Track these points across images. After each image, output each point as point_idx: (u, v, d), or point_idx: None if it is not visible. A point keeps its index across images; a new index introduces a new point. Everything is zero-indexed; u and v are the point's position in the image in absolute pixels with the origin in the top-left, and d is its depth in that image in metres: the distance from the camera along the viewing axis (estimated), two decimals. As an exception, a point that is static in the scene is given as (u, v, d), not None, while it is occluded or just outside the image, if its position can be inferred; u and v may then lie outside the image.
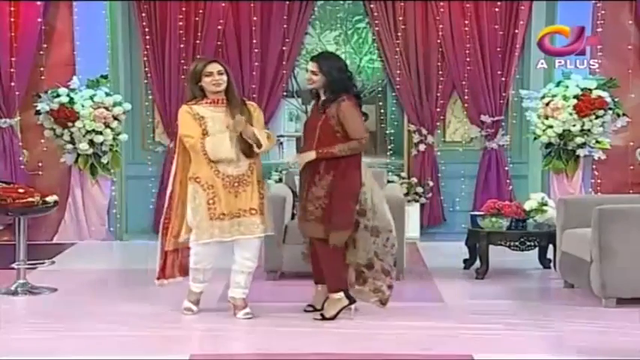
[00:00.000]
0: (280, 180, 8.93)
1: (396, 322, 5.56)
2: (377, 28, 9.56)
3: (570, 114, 8.82)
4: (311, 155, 5.55)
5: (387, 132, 9.77)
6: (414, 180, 9.43)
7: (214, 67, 5.56)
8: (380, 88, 9.81)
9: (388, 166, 9.59)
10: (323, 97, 5.64)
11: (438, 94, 9.54)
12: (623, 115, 9.02)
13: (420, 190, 9.40)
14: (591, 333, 5.34)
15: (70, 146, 9.06)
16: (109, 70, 9.28)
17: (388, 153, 9.64)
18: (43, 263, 7.10)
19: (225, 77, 5.57)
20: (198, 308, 5.72)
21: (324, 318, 5.57)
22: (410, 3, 9.50)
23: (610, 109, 8.89)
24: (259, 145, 5.54)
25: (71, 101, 8.93)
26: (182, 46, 9.43)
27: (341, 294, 5.60)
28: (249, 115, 5.60)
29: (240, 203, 5.54)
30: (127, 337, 5.26)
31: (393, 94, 9.71)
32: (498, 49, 9.46)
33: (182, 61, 9.44)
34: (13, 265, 6.60)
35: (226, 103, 5.59)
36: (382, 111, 9.84)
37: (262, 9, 9.50)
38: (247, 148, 5.55)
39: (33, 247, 7.10)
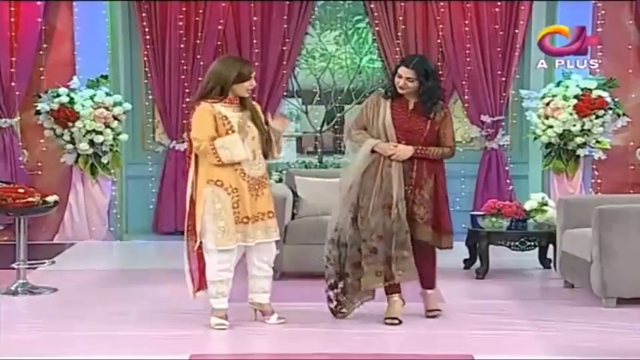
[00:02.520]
0: (280, 180, 8.93)
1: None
2: (377, 28, 9.56)
3: (570, 114, 8.82)
4: (409, 150, 5.47)
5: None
6: (415, 180, 9.42)
7: (253, 72, 5.48)
8: (380, 88, 9.80)
9: (388, 166, 9.58)
10: (416, 100, 5.54)
11: (439, 94, 9.53)
12: (624, 115, 9.02)
13: (420, 190, 9.39)
14: (591, 333, 5.34)
15: (70, 146, 9.07)
16: (109, 70, 9.28)
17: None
18: (43, 263, 7.10)
19: None
20: (229, 322, 5.44)
21: (440, 310, 5.69)
22: (410, 3, 9.50)
23: (610, 109, 8.89)
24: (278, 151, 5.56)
25: (71, 101, 8.94)
26: (182, 46, 9.44)
27: (436, 289, 5.73)
28: (260, 115, 5.53)
29: (259, 206, 5.40)
30: (127, 337, 5.25)
31: (393, 94, 9.70)
32: (498, 49, 9.46)
33: (182, 61, 9.45)
34: (13, 265, 6.60)
35: (239, 103, 5.46)
36: (382, 111, 9.85)
37: (262, 9, 9.50)
38: (267, 146, 5.47)
39: (33, 247, 7.10)
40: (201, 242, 5.37)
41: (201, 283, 5.50)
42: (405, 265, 5.44)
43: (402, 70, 5.53)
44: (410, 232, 5.47)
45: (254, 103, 5.64)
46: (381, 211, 5.44)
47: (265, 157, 5.50)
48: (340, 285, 5.55)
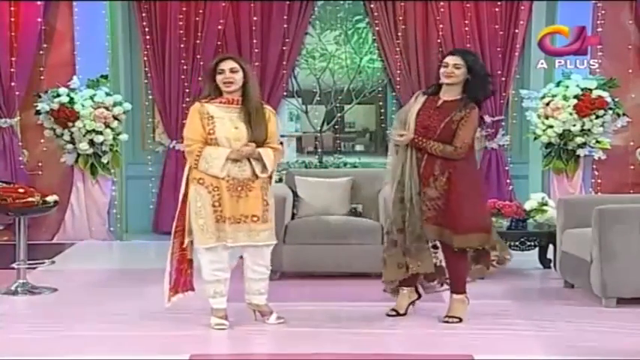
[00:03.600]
0: (280, 180, 8.91)
1: (396, 322, 5.56)
2: (377, 28, 9.56)
3: (570, 114, 8.82)
4: (409, 138, 5.43)
5: (387, 132, 9.77)
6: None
7: (227, 65, 5.30)
8: (380, 88, 9.82)
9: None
10: (447, 97, 5.49)
11: (438, 94, 9.54)
12: (623, 115, 9.03)
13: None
14: (591, 333, 5.34)
15: (70, 146, 9.07)
16: (109, 70, 9.28)
17: (388, 153, 9.62)
18: (43, 263, 7.10)
19: (239, 75, 5.30)
20: (229, 322, 5.44)
21: (461, 320, 5.53)
22: (410, 3, 9.51)
23: (610, 109, 8.89)
24: (264, 169, 5.36)
25: (71, 101, 8.94)
26: (182, 46, 9.44)
27: (464, 295, 5.59)
28: (263, 120, 5.37)
29: (242, 209, 5.32)
30: (127, 337, 5.26)
31: (393, 94, 9.71)
32: (498, 49, 9.46)
33: (182, 61, 9.46)
34: (13, 265, 6.60)
35: (242, 104, 5.36)
36: (382, 111, 9.88)
37: (262, 9, 9.50)
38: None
39: (33, 247, 7.10)
40: (183, 242, 5.41)
41: (177, 285, 5.48)
42: (423, 257, 5.46)
43: (449, 58, 5.51)
44: (422, 225, 5.45)
45: (267, 108, 5.49)
46: (399, 204, 5.46)
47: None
48: None
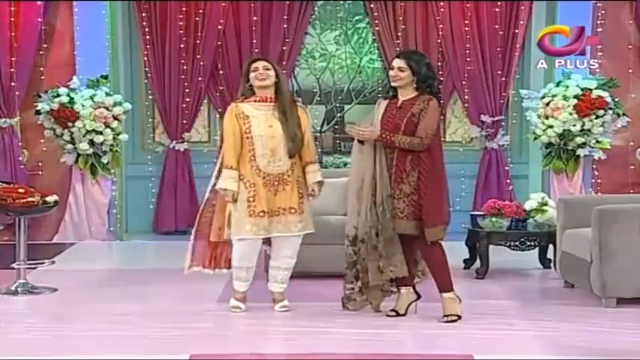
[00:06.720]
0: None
1: (396, 322, 5.56)
2: (377, 28, 9.57)
3: (570, 114, 8.82)
4: (374, 134, 5.49)
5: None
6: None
7: (260, 64, 5.67)
8: (380, 88, 9.81)
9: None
10: (404, 97, 5.55)
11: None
12: (623, 115, 9.03)
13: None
14: (591, 333, 5.34)
15: (70, 146, 9.06)
16: (109, 70, 9.28)
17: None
18: (43, 263, 7.10)
19: (271, 72, 5.65)
20: (245, 306, 5.77)
21: (459, 317, 5.55)
22: (410, 3, 9.52)
23: (610, 109, 8.89)
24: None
25: (71, 101, 8.93)
26: (182, 46, 9.45)
27: (452, 293, 5.60)
28: (297, 117, 5.67)
29: (279, 202, 5.63)
30: (126, 337, 5.26)
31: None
32: (498, 49, 9.47)
33: (182, 61, 9.46)
34: (13, 265, 6.60)
35: (275, 102, 5.65)
36: (382, 111, 9.87)
37: (262, 9, 9.51)
38: (294, 146, 5.61)
39: (33, 247, 7.10)
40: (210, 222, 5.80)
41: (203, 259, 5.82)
42: (395, 260, 5.52)
43: (394, 62, 5.61)
44: (394, 227, 5.51)
45: (301, 106, 5.80)
46: (375, 208, 5.52)
47: (290, 156, 5.64)
48: (358, 281, 5.68)
